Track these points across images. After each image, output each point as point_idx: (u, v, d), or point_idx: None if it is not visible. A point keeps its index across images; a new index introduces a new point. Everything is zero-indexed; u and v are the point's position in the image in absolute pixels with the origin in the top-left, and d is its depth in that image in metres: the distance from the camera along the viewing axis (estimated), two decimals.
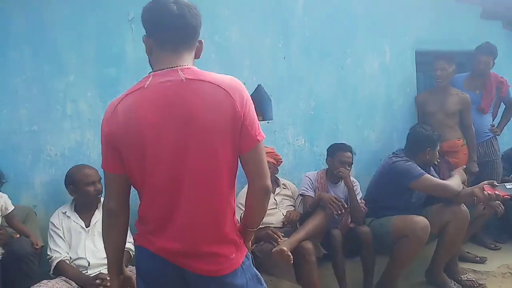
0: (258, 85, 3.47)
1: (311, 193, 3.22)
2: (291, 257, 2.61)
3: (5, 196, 2.44)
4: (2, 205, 2.31)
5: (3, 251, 2.47)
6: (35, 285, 2.34)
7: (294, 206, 3.27)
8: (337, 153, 3.29)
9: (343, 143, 3.39)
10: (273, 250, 2.65)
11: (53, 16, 2.93)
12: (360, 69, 4.03)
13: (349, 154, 3.29)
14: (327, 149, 3.41)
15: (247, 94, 1.42)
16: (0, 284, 2.36)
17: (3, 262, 2.45)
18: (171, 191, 1.39)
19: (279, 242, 2.75)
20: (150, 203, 1.46)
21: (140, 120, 1.36)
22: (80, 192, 2.71)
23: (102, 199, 2.78)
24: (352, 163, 3.33)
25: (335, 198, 2.97)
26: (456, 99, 3.91)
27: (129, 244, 2.71)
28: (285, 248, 2.60)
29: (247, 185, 1.50)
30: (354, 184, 3.29)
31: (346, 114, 3.96)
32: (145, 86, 1.38)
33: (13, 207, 2.46)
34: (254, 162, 1.44)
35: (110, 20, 3.06)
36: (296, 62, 3.67)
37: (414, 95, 4.28)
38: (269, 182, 1.47)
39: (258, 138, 1.42)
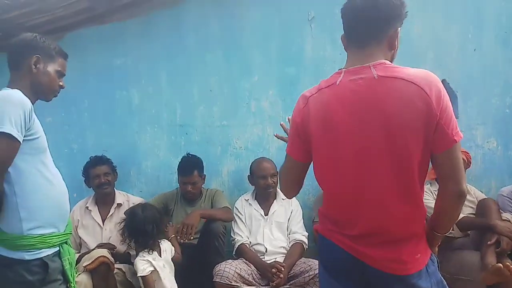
0: (442, 80, 3.18)
1: None
2: None
3: (166, 244, 2.57)
4: (171, 250, 2.55)
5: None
6: (223, 262, 2.63)
7: (475, 214, 2.89)
8: None
9: None
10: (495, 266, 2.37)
11: (243, 20, 3.24)
12: None
13: None
14: None
15: (444, 91, 1.31)
16: (198, 256, 2.72)
17: (201, 239, 2.82)
18: (356, 186, 1.38)
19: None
20: (334, 196, 1.47)
21: (330, 116, 1.38)
22: (254, 182, 2.96)
23: (279, 191, 2.96)
24: None
25: None
26: None
27: (303, 237, 2.82)
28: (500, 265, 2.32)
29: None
30: None
31: None
32: (337, 82, 1.39)
33: (174, 253, 2.59)
34: (448, 164, 1.32)
35: (291, 21, 3.21)
36: (490, 54, 3.24)
37: None
38: (463, 187, 1.33)
39: (455, 138, 1.29)
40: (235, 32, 3.25)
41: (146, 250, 2.48)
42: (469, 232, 2.82)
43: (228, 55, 3.26)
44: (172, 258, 2.56)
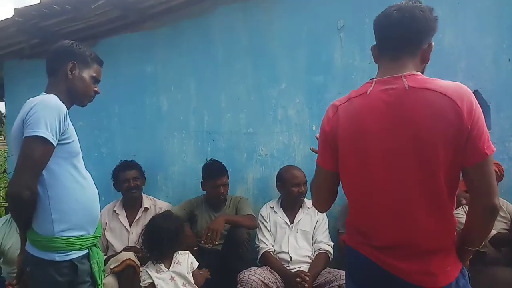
0: (474, 91, 3.10)
1: None
2: None
3: (182, 256, 2.50)
4: (191, 263, 2.51)
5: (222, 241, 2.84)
6: (247, 269, 2.62)
7: (508, 230, 2.79)
8: None
9: None
10: None
11: (271, 28, 3.25)
12: None
13: None
14: None
15: (476, 103, 1.29)
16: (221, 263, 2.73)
17: (225, 245, 2.83)
18: (384, 197, 1.37)
19: None
20: (361, 206, 1.46)
21: (359, 125, 1.38)
22: (285, 190, 2.92)
23: (305, 200, 2.94)
24: None
25: None
26: None
27: (328, 247, 2.79)
28: None
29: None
30: None
31: None
32: (368, 92, 1.39)
33: (198, 264, 2.51)
34: (480, 178, 1.29)
35: (320, 29, 3.20)
36: None
37: None
38: (495, 202, 1.30)
39: (486, 151, 1.27)
40: (263, 40, 3.26)
41: (152, 261, 2.45)
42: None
43: (255, 63, 3.28)
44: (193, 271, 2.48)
